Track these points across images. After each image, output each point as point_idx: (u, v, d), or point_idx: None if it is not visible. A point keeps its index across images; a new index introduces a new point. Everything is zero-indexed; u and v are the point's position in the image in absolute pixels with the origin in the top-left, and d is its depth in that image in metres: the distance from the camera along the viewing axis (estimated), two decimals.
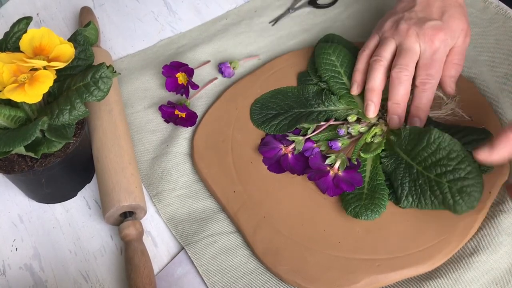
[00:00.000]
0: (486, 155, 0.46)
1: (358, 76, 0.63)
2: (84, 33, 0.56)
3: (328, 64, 0.65)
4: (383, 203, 0.55)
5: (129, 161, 0.58)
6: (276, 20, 0.77)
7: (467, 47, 0.62)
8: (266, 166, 0.60)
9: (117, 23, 0.79)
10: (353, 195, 0.56)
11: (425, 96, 0.58)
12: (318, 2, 0.79)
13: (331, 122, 0.61)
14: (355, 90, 0.63)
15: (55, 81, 0.49)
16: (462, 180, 0.50)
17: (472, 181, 0.50)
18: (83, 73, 0.51)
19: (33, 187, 0.57)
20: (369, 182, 0.57)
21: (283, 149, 0.60)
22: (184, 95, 0.66)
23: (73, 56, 0.51)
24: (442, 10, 0.60)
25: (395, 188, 0.56)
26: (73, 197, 0.61)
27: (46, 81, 0.48)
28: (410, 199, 0.54)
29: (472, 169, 0.50)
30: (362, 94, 0.62)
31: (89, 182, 0.62)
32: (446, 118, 0.61)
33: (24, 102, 0.50)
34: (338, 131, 0.60)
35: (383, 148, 0.58)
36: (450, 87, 0.61)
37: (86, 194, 0.62)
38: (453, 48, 0.61)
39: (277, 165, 0.60)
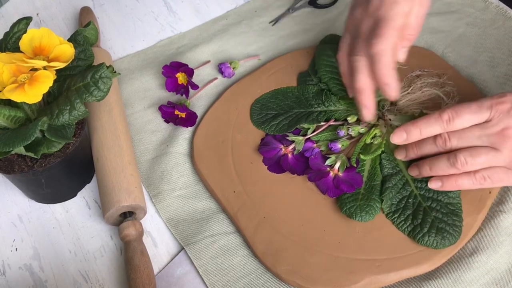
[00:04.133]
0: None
1: (346, 80, 0.61)
2: (84, 33, 0.56)
3: (328, 66, 0.65)
4: (377, 205, 0.55)
5: (129, 161, 0.58)
6: (276, 20, 0.77)
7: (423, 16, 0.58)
8: (266, 166, 0.60)
9: (117, 23, 0.79)
10: (349, 195, 0.56)
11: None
12: (318, 2, 0.79)
13: (331, 123, 0.61)
14: (350, 94, 0.61)
15: (55, 81, 0.49)
16: (447, 225, 0.53)
17: (453, 232, 0.53)
18: (83, 73, 0.51)
19: (33, 187, 0.57)
20: (367, 182, 0.57)
21: (283, 149, 0.60)
22: (184, 95, 0.66)
23: (73, 56, 0.51)
24: None
25: (382, 189, 0.56)
26: (73, 197, 0.61)
27: (46, 81, 0.48)
28: (393, 208, 0.55)
29: (459, 224, 0.53)
30: None
31: (89, 182, 0.62)
32: None
33: (24, 102, 0.50)
34: (338, 132, 0.60)
35: (382, 149, 0.58)
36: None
37: (86, 194, 0.62)
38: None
39: (277, 165, 0.60)
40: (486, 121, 0.51)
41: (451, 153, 0.52)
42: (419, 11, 0.55)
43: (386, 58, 0.53)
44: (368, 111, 0.57)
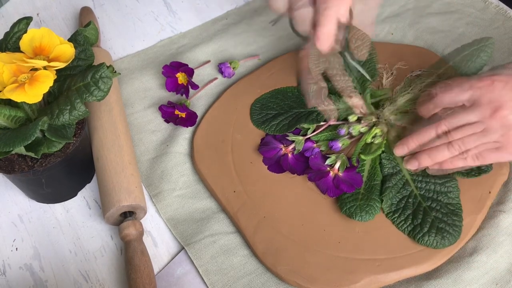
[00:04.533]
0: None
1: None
2: (84, 33, 0.56)
3: None
4: (378, 205, 0.55)
5: (129, 161, 0.58)
6: (276, 21, 0.76)
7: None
8: (266, 166, 0.60)
9: (117, 23, 0.79)
10: (349, 194, 0.56)
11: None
12: None
13: (331, 122, 0.61)
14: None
15: (55, 81, 0.49)
16: (446, 225, 0.53)
17: (453, 232, 0.53)
18: (83, 73, 0.51)
19: (33, 187, 0.58)
20: (367, 182, 0.57)
21: (283, 149, 0.60)
22: (184, 95, 0.66)
23: (73, 56, 0.51)
24: None
25: (382, 188, 0.57)
26: (73, 197, 0.61)
27: (46, 81, 0.48)
28: (393, 208, 0.55)
29: (459, 224, 0.54)
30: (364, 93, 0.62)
31: (89, 182, 0.62)
32: None
33: (24, 102, 0.50)
34: (338, 131, 0.60)
35: (383, 149, 0.59)
36: None
37: (86, 194, 0.62)
38: None
39: (277, 165, 0.60)
40: (475, 102, 0.51)
41: (448, 142, 0.53)
42: (363, 9, 0.55)
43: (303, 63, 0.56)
44: (318, 42, 0.51)
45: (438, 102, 0.52)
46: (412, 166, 0.56)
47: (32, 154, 0.51)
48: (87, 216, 0.60)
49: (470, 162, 0.54)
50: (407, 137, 0.56)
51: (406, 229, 0.54)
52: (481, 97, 0.50)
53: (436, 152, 0.54)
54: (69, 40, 0.55)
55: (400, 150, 0.57)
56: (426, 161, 0.55)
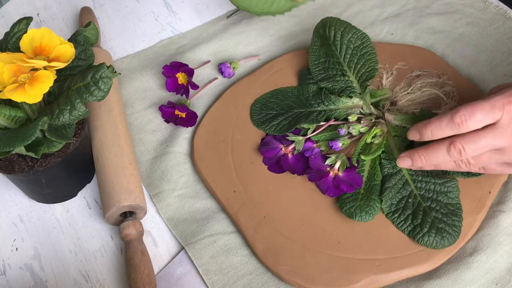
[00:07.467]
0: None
1: None
2: (84, 33, 0.56)
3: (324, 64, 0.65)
4: (377, 205, 0.55)
5: (129, 161, 0.58)
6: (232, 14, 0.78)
7: None
8: (266, 166, 0.60)
9: (117, 23, 0.79)
10: (349, 195, 0.56)
11: None
12: None
13: (331, 122, 0.61)
14: None
15: (55, 81, 0.49)
16: (446, 225, 0.53)
17: (453, 232, 0.53)
18: (83, 73, 0.51)
19: (33, 187, 0.58)
20: (367, 182, 0.57)
21: (283, 149, 0.60)
22: (184, 95, 0.66)
23: (73, 56, 0.51)
24: None
25: (382, 188, 0.57)
26: (73, 197, 0.61)
27: (46, 81, 0.48)
28: (393, 208, 0.55)
29: (459, 224, 0.54)
30: (364, 93, 0.62)
31: (89, 182, 0.63)
32: None
33: (24, 102, 0.50)
34: (338, 130, 0.60)
35: (383, 149, 0.59)
36: None
37: (86, 194, 0.62)
38: None
39: (277, 165, 0.60)
40: (497, 124, 0.49)
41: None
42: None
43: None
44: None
45: (462, 130, 0.49)
46: (416, 163, 0.54)
47: (32, 154, 0.51)
48: (87, 216, 0.60)
49: (475, 170, 0.53)
50: (413, 151, 0.54)
51: (406, 229, 0.54)
52: (503, 119, 0.48)
53: (443, 165, 0.53)
54: (69, 40, 0.55)
55: (404, 163, 0.55)
56: (430, 168, 0.54)
